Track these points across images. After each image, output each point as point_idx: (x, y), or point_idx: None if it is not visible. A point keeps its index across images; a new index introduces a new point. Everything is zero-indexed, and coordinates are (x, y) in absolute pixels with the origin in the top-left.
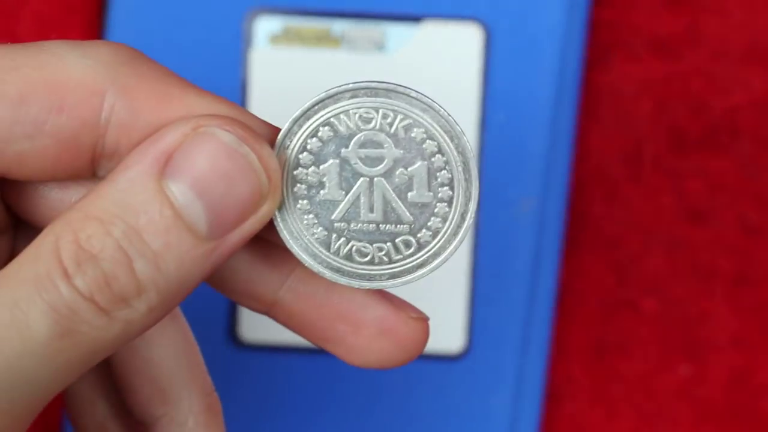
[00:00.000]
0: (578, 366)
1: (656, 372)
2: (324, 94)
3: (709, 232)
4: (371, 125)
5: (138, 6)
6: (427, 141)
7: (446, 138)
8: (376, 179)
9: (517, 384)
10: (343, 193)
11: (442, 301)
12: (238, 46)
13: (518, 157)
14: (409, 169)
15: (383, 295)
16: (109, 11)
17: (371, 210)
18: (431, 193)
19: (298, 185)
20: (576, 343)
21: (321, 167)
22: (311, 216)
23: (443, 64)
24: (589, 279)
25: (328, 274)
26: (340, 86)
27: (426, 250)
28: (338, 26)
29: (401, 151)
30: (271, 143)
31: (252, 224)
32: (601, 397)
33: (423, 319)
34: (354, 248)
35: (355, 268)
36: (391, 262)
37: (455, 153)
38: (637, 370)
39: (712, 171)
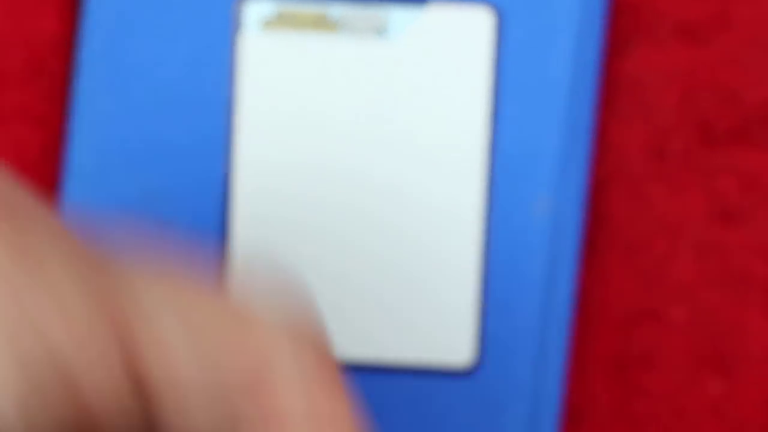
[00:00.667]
0: (599, 381)
1: (685, 388)
2: None
3: (742, 234)
4: None
5: None
6: None
7: None
8: None
9: (533, 401)
10: None
11: (449, 310)
12: (227, 31)
13: (532, 154)
14: None
15: None
16: None
17: None
18: None
19: None
20: (597, 356)
21: None
22: None
23: (450, 52)
24: (610, 286)
25: None
26: None
27: None
28: (335, 10)
29: None
30: None
31: None
32: (625, 415)
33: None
34: None
35: None
36: None
37: None
38: (664, 385)
39: (745, 167)
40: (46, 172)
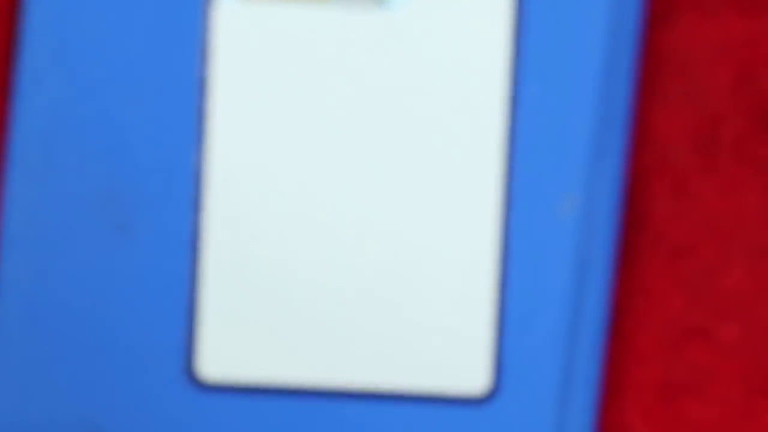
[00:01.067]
0: (637, 411)
1: (738, 417)
2: None
3: None
4: None
5: None
6: None
7: None
8: None
9: None
10: None
11: (462, 327)
12: (199, 1)
13: (559, 144)
14: None
15: None
16: None
17: None
18: None
19: None
20: (634, 381)
21: None
22: None
23: (463, 25)
24: (651, 299)
25: None
26: None
27: None
28: None
29: None
30: None
31: None
32: None
33: None
34: None
35: None
36: None
37: None
38: (714, 415)
39: None
40: None
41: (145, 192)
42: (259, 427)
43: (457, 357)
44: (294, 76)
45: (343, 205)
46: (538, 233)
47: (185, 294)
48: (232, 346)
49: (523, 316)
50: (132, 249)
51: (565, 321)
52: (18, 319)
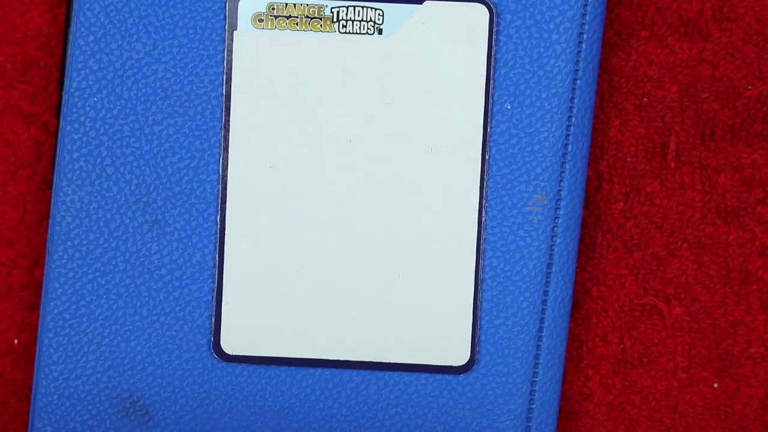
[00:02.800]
0: (596, 380)
1: (682, 387)
2: None
3: (742, 232)
4: None
5: None
6: None
7: None
8: None
9: (529, 399)
10: None
11: (445, 308)
12: (221, 28)
13: (529, 150)
14: None
15: None
16: None
17: None
18: None
19: None
20: (594, 354)
21: None
22: None
23: (446, 48)
24: (608, 284)
25: None
26: None
27: None
28: (332, 6)
29: None
30: None
31: None
32: (621, 414)
33: None
34: None
35: None
36: None
37: None
38: (661, 384)
39: (745, 164)
40: (36, 170)
41: (173, 193)
42: (273, 392)
43: (443, 335)
44: (302, 90)
45: (345, 204)
46: (512, 228)
47: (210, 281)
48: (249, 325)
49: (498, 301)
50: (162, 242)
51: (535, 303)
52: (65, 304)
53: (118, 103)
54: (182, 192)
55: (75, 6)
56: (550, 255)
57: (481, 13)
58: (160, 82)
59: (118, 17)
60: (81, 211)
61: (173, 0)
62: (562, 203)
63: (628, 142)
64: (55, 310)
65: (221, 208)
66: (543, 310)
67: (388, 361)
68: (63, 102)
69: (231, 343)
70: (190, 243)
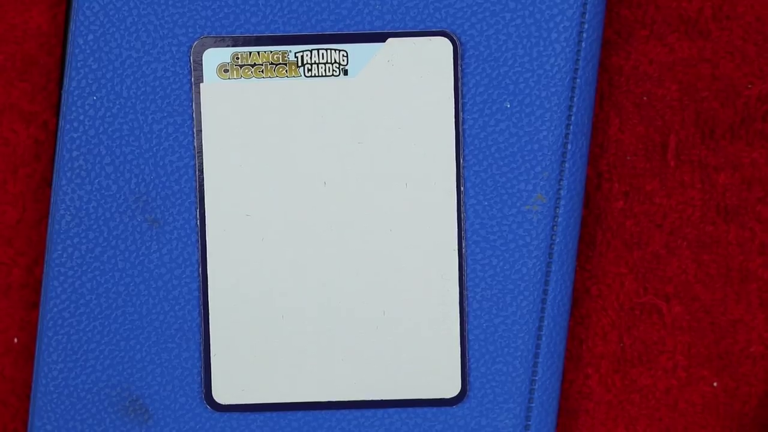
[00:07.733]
0: (596, 379)
1: (681, 385)
2: None
3: (741, 231)
4: None
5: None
6: None
7: None
8: None
9: (528, 399)
10: None
11: (432, 340)
12: (186, 79)
13: (529, 149)
14: None
15: None
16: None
17: None
18: None
19: None
20: (594, 353)
21: None
22: None
23: (412, 82)
24: (607, 283)
25: None
26: None
27: None
28: (295, 51)
29: None
30: None
31: None
32: (621, 412)
33: None
34: None
35: None
36: None
37: None
38: (661, 383)
39: (745, 163)
40: (36, 168)
41: (173, 192)
42: None
43: (432, 368)
44: (273, 137)
45: (326, 246)
46: (512, 227)
47: (197, 333)
48: (239, 374)
49: (498, 300)
50: (162, 241)
51: (534, 301)
52: (64, 303)
53: (117, 102)
54: (182, 191)
55: (74, 5)
56: (550, 254)
57: (445, 45)
58: (160, 81)
59: (117, 16)
60: (80, 209)
61: (173, 0)
62: (562, 202)
63: (628, 141)
64: (55, 309)
65: (201, 257)
66: (542, 309)
67: (380, 398)
68: (62, 101)
69: (223, 393)
70: (190, 242)
